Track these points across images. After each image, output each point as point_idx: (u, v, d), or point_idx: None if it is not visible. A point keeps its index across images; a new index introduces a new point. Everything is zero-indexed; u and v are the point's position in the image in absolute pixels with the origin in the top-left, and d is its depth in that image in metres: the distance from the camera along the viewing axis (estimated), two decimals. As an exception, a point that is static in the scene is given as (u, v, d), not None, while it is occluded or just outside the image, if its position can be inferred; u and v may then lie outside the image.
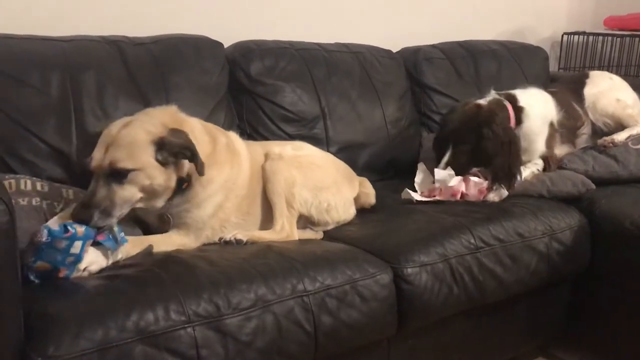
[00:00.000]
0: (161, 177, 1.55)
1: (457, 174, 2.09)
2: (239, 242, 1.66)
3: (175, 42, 2.17)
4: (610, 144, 2.35)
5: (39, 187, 1.56)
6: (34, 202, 1.49)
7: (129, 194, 1.51)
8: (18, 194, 1.49)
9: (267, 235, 1.73)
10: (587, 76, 2.61)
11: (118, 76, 1.99)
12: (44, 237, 1.33)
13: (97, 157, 1.51)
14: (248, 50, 2.31)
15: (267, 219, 1.81)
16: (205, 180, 1.64)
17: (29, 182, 1.56)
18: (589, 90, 2.52)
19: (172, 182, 1.59)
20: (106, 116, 1.92)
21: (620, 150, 2.33)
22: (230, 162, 1.75)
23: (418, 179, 2.23)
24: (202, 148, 1.62)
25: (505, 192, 2.10)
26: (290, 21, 2.60)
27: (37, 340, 1.19)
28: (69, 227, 1.36)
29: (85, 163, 1.56)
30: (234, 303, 1.39)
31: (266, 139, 2.23)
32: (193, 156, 1.56)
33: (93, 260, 1.42)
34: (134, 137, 1.52)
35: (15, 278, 1.18)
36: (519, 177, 2.12)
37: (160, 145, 1.53)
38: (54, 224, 1.43)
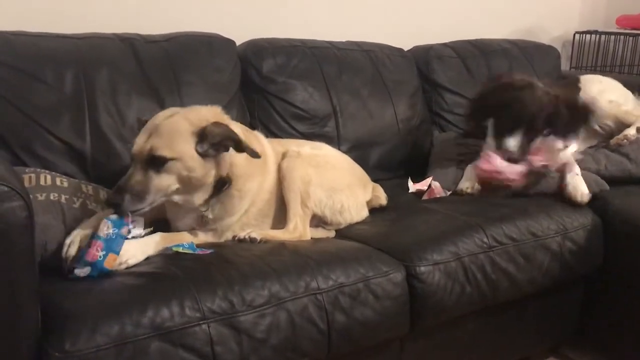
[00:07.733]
0: (200, 170, 1.55)
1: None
2: (252, 240, 1.66)
3: (188, 40, 2.17)
4: (625, 141, 2.33)
5: (58, 182, 1.56)
6: (51, 197, 1.49)
7: (165, 183, 1.51)
8: (37, 189, 1.48)
9: (280, 235, 1.73)
10: (579, 80, 2.60)
11: (131, 73, 2.00)
12: (110, 228, 1.36)
13: (139, 142, 1.52)
14: (260, 48, 2.31)
15: (280, 217, 1.80)
16: (242, 191, 1.65)
17: (48, 177, 1.55)
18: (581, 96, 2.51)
19: (210, 178, 1.58)
20: (119, 113, 1.93)
21: (633, 148, 2.32)
22: (262, 169, 1.75)
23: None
24: (242, 159, 1.62)
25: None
26: (302, 19, 2.60)
27: (54, 335, 1.19)
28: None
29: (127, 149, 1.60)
30: (248, 300, 1.40)
31: (277, 137, 2.23)
32: (239, 144, 1.55)
33: (132, 254, 1.45)
34: (176, 127, 1.53)
35: (33, 273, 1.19)
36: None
37: (202, 136, 1.53)
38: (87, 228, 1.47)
